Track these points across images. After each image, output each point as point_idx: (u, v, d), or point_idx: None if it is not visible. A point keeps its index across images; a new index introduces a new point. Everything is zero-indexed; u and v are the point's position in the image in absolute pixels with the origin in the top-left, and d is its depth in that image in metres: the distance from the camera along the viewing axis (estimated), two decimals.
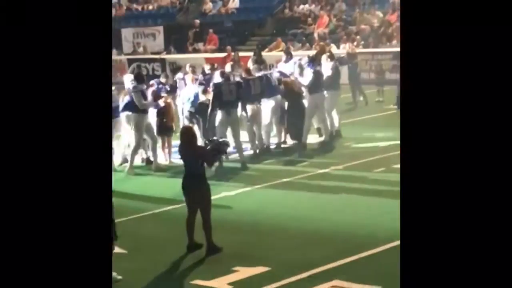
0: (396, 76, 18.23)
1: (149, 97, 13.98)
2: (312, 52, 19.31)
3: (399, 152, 5.50)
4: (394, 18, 26.30)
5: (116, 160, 13.93)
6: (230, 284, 8.11)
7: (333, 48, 23.62)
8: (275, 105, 15.02)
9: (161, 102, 14.30)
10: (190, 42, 31.09)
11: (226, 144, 9.74)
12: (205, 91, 14.74)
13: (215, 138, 10.65)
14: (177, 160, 12.45)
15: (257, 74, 14.89)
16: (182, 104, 15.05)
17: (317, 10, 30.09)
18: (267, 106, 14.94)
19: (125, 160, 14.16)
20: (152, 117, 14.20)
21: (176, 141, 11.91)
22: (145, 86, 14.15)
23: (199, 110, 14.54)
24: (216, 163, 11.56)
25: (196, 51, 30.51)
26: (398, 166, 5.79)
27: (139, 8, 35.97)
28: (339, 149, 15.08)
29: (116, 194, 7.42)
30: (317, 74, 15.14)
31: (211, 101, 13.97)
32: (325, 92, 15.55)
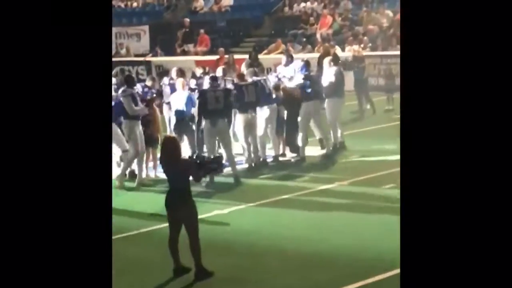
0: None
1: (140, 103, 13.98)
2: (314, 55, 19.43)
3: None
4: None
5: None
6: None
7: (338, 51, 23.77)
8: (270, 114, 15.03)
9: (145, 110, 14.26)
10: (178, 43, 31.18)
11: (217, 162, 9.67)
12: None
13: (205, 153, 10.63)
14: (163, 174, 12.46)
15: (251, 80, 14.89)
16: (170, 112, 14.98)
17: (320, 8, 30.18)
18: (261, 115, 14.96)
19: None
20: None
21: None
22: (135, 90, 14.19)
23: (190, 120, 14.51)
24: (206, 178, 11.57)
25: (185, 53, 30.60)
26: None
27: (122, 5, 36.07)
28: (344, 162, 15.14)
29: None
30: (310, 79, 15.17)
31: (196, 110, 14.01)
32: (327, 100, 15.63)
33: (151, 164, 14.59)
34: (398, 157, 15.50)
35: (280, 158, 15.49)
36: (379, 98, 21.15)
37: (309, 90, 15.15)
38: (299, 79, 15.32)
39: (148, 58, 29.91)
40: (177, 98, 14.54)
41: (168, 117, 15.32)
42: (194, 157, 9.62)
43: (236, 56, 24.32)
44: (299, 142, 15.28)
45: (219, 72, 15.90)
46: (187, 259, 9.14)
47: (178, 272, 9.15)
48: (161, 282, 9.06)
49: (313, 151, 15.72)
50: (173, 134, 12.90)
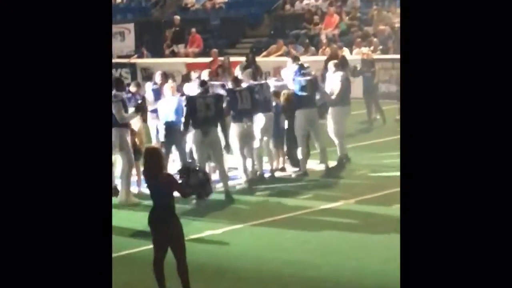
0: None
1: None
2: (318, 58, 19.46)
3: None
4: None
5: None
6: None
7: (346, 53, 23.84)
8: (265, 123, 14.98)
9: (135, 117, 14.26)
10: (167, 44, 31.24)
11: (201, 186, 9.47)
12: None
13: (191, 165, 10.61)
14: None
15: (247, 84, 14.82)
16: (157, 121, 14.88)
17: (325, 6, 30.15)
18: (256, 124, 14.88)
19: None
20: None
21: None
22: (125, 95, 14.19)
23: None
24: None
25: (174, 54, 30.64)
26: None
27: None
28: (351, 178, 15.18)
29: None
30: (305, 84, 15.15)
31: (184, 118, 14.01)
32: (330, 108, 15.66)
33: (134, 178, 14.49)
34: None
35: (280, 173, 15.52)
36: (390, 107, 21.14)
37: (303, 95, 15.09)
38: (291, 83, 15.34)
39: (133, 60, 29.89)
40: (166, 105, 14.39)
41: (156, 126, 15.16)
42: (179, 170, 9.53)
43: (232, 59, 24.30)
44: (299, 155, 15.31)
45: (204, 75, 15.69)
46: (174, 283, 9.16)
47: None
48: None
49: (317, 165, 15.74)
50: (157, 145, 12.91)
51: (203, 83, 14.26)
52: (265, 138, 15.20)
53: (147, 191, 9.71)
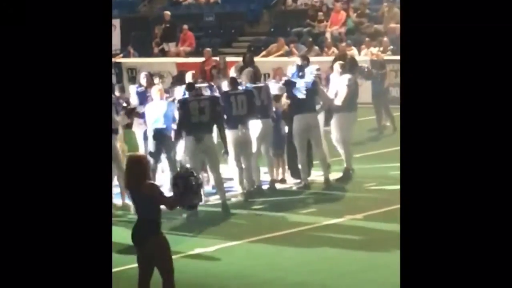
0: None
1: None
2: (323, 59, 19.45)
3: None
4: None
5: None
6: None
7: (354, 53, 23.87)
8: (263, 130, 14.95)
9: (125, 121, 14.30)
10: (156, 42, 31.27)
11: (190, 204, 9.48)
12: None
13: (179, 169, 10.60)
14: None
15: (243, 87, 14.84)
16: (144, 127, 14.93)
17: (331, 1, 30.12)
18: (252, 132, 14.87)
19: None
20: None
21: None
22: (114, 97, 14.24)
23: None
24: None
25: (164, 53, 30.67)
26: None
27: None
28: (357, 192, 15.21)
29: None
30: (304, 86, 15.13)
31: (176, 125, 13.99)
32: (335, 114, 15.64)
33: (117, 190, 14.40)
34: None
35: (279, 185, 15.55)
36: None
37: (301, 98, 15.10)
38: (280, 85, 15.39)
39: (118, 59, 29.82)
40: (154, 109, 14.35)
41: (143, 131, 15.12)
42: (171, 180, 9.55)
43: (229, 59, 24.30)
44: (299, 165, 15.33)
45: (188, 77, 15.42)
46: None
47: None
48: None
49: (320, 176, 15.76)
50: (141, 154, 12.91)
51: (190, 86, 14.24)
52: (262, 147, 15.18)
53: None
